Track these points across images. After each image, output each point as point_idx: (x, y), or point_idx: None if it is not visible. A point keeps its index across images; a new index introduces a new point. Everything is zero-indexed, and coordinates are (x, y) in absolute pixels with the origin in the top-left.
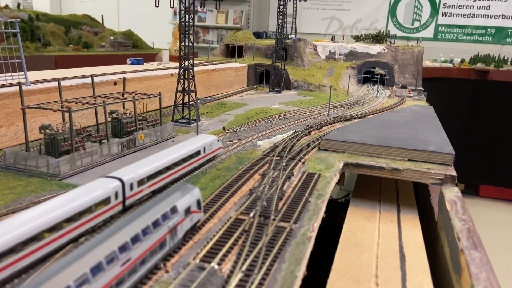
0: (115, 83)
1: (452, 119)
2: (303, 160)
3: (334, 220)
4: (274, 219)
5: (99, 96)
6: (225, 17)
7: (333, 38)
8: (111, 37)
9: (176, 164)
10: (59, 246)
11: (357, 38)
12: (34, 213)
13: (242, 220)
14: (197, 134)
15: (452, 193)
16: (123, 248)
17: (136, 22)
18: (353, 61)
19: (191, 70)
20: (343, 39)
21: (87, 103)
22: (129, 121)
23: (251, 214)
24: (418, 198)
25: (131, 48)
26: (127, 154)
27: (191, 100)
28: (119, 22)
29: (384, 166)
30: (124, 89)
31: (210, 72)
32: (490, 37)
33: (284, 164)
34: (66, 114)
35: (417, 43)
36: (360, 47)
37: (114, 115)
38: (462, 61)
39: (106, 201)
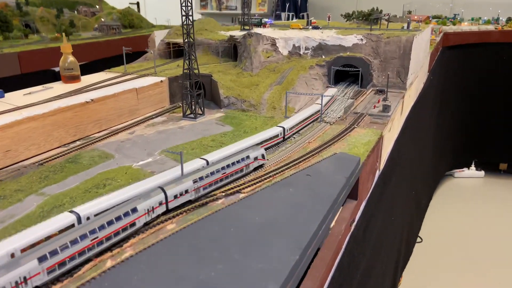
0: None
1: (493, 91)
2: None
3: None
4: None
5: None
6: None
7: (308, 23)
8: (102, 19)
9: None
10: None
11: (348, 17)
12: None
13: None
14: None
15: None
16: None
17: None
18: (323, 56)
19: None
20: (329, 19)
21: None
22: None
23: None
24: None
25: (121, 30)
26: None
27: None
28: None
29: None
30: None
31: (81, 107)
32: None
33: None
34: None
35: (408, 26)
36: (332, 38)
37: None
38: (508, 20)
39: None
